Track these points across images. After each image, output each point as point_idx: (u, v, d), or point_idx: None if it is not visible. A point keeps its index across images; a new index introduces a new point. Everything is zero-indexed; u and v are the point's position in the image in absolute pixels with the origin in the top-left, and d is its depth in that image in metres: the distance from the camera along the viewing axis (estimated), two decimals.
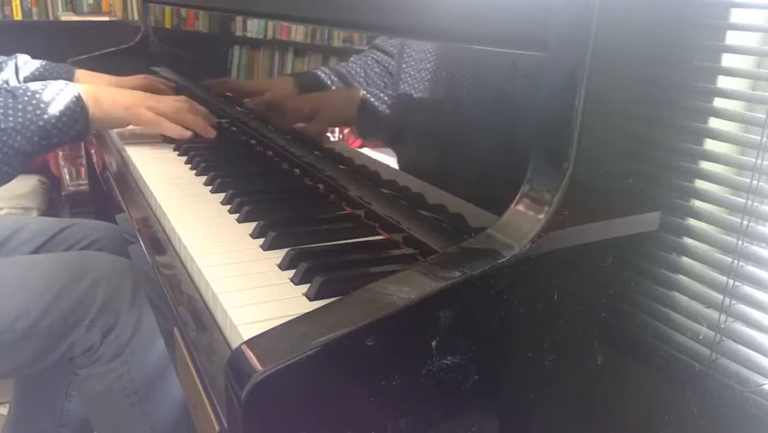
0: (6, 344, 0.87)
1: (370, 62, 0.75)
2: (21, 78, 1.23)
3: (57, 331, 0.89)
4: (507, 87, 0.56)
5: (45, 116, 0.90)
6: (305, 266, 0.59)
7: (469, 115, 0.61)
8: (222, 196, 0.82)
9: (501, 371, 0.49)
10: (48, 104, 0.90)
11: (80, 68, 1.32)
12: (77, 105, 0.93)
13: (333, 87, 0.83)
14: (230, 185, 0.84)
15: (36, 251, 1.10)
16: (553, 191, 0.47)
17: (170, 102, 1.06)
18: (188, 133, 1.04)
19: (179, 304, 0.60)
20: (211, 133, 1.07)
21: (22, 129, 0.88)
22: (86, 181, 2.13)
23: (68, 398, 1.15)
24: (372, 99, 0.75)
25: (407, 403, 0.44)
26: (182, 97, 1.11)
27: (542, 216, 0.47)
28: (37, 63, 1.27)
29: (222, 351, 0.52)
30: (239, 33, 1.15)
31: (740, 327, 0.52)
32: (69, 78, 1.27)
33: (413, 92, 0.67)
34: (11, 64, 1.23)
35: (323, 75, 0.86)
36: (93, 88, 0.99)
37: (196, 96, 1.39)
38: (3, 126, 0.86)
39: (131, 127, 1.07)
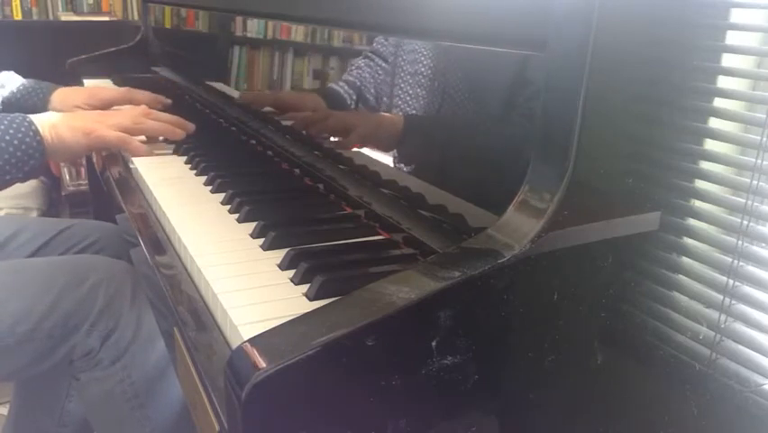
0: (6, 347, 0.87)
1: (366, 63, 0.75)
2: (0, 98, 1.23)
3: (57, 334, 0.89)
4: (507, 87, 0.56)
5: None
6: (305, 266, 0.59)
7: (469, 115, 0.61)
8: (222, 196, 0.82)
9: (501, 371, 0.49)
10: (0, 138, 0.86)
11: (74, 69, 1.31)
12: (34, 140, 0.89)
13: (334, 93, 0.83)
14: (230, 185, 0.84)
15: (36, 252, 1.10)
16: (553, 191, 0.47)
17: (128, 113, 1.03)
18: (153, 152, 1.01)
19: (179, 304, 0.60)
20: (178, 135, 1.03)
21: None
22: (86, 181, 2.13)
23: (69, 397, 1.15)
24: (372, 100, 0.75)
25: (407, 403, 0.44)
26: (141, 107, 1.08)
27: (542, 216, 0.47)
28: (17, 84, 1.26)
29: (222, 351, 0.52)
30: (239, 33, 1.15)
31: (740, 327, 0.52)
32: (45, 100, 1.26)
33: (413, 92, 0.67)
34: None
35: (319, 72, 0.86)
36: (50, 119, 0.94)
37: (195, 96, 1.39)
38: None
39: None
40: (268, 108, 1.05)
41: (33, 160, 0.89)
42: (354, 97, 0.81)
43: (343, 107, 0.83)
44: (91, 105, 1.27)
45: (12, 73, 1.26)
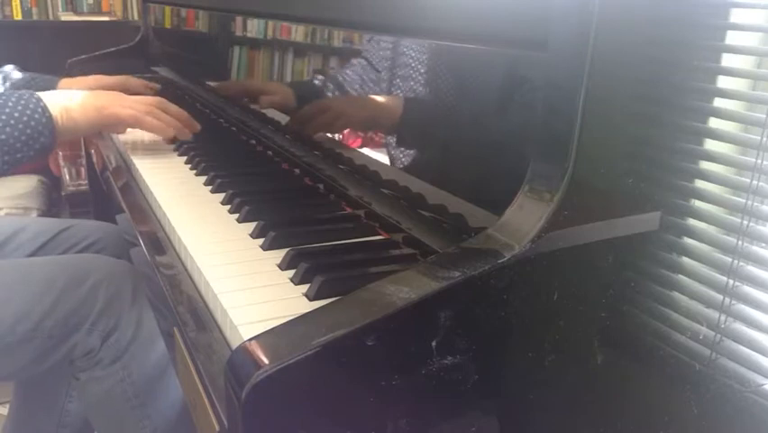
0: (7, 346, 0.87)
1: (365, 63, 0.75)
2: (6, 88, 1.23)
3: (58, 334, 0.89)
4: (507, 87, 0.56)
5: (7, 129, 0.84)
6: (305, 266, 0.59)
7: (469, 115, 0.61)
8: (222, 196, 0.82)
9: (501, 371, 0.49)
10: (9, 115, 0.85)
11: (75, 69, 1.32)
12: (43, 116, 0.87)
13: (335, 92, 0.83)
14: (230, 185, 0.84)
15: (36, 252, 1.10)
16: (553, 191, 0.47)
17: (142, 98, 1.03)
18: (171, 131, 1.01)
19: (179, 304, 0.60)
20: (186, 135, 1.03)
21: None
22: (86, 181, 2.13)
23: (69, 398, 1.15)
24: (372, 100, 0.75)
25: (407, 403, 0.44)
26: (156, 98, 1.07)
27: (542, 217, 0.47)
28: (21, 75, 1.27)
29: (222, 351, 0.52)
30: (239, 33, 1.15)
31: (740, 327, 0.52)
32: (52, 88, 1.26)
33: (413, 92, 0.67)
34: None
35: (316, 80, 0.86)
36: (59, 96, 0.93)
37: (195, 96, 1.39)
38: None
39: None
40: (254, 102, 1.05)
41: (44, 137, 0.88)
42: (332, 90, 0.82)
43: (320, 97, 0.84)
44: (92, 88, 1.27)
45: (13, 67, 1.27)
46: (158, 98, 1.05)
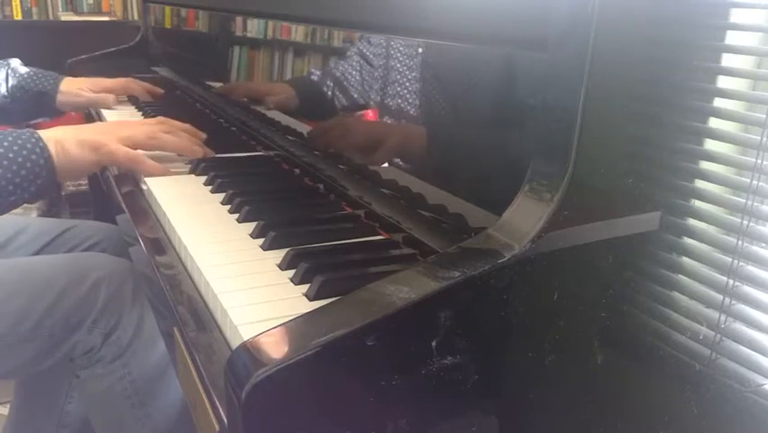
0: (8, 345, 0.87)
1: (356, 61, 0.75)
2: (9, 87, 1.23)
3: (59, 332, 0.89)
4: (507, 86, 0.56)
5: None
6: (305, 266, 0.59)
7: (469, 115, 0.61)
8: (222, 196, 0.82)
9: (501, 371, 0.49)
10: (2, 156, 0.79)
11: (75, 69, 1.33)
12: (41, 157, 0.81)
13: (334, 98, 0.83)
14: (230, 185, 0.84)
15: (38, 252, 1.10)
16: (553, 191, 0.47)
17: (143, 126, 0.95)
18: (171, 171, 0.92)
19: (179, 304, 0.60)
20: (198, 153, 0.95)
21: None
22: (86, 181, 2.13)
23: (69, 399, 1.15)
24: (373, 100, 0.75)
25: (407, 403, 0.44)
26: (158, 119, 1.00)
27: (542, 217, 0.47)
28: (25, 70, 1.27)
29: (222, 351, 0.52)
30: (239, 33, 1.15)
31: (740, 327, 0.52)
32: (55, 85, 1.28)
33: (413, 93, 0.67)
34: (1, 71, 1.23)
35: (315, 78, 0.86)
36: (56, 134, 0.86)
37: (195, 96, 1.39)
38: None
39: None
40: (249, 102, 1.05)
41: (41, 179, 0.82)
42: (333, 90, 0.81)
43: (320, 98, 0.84)
44: (93, 91, 1.31)
45: (19, 62, 1.28)
46: (159, 120, 0.98)
